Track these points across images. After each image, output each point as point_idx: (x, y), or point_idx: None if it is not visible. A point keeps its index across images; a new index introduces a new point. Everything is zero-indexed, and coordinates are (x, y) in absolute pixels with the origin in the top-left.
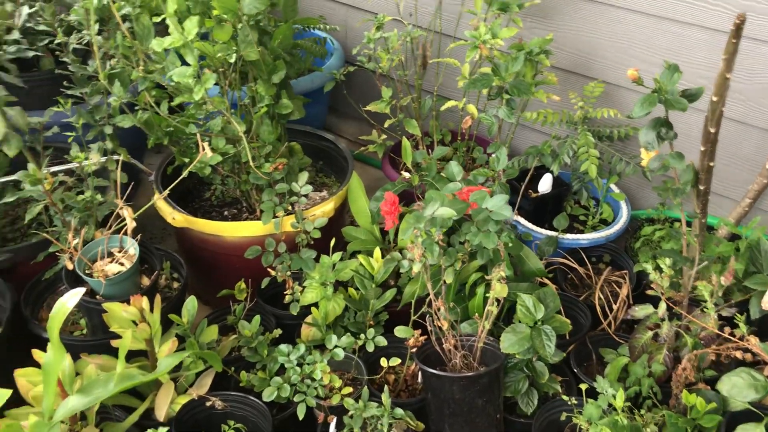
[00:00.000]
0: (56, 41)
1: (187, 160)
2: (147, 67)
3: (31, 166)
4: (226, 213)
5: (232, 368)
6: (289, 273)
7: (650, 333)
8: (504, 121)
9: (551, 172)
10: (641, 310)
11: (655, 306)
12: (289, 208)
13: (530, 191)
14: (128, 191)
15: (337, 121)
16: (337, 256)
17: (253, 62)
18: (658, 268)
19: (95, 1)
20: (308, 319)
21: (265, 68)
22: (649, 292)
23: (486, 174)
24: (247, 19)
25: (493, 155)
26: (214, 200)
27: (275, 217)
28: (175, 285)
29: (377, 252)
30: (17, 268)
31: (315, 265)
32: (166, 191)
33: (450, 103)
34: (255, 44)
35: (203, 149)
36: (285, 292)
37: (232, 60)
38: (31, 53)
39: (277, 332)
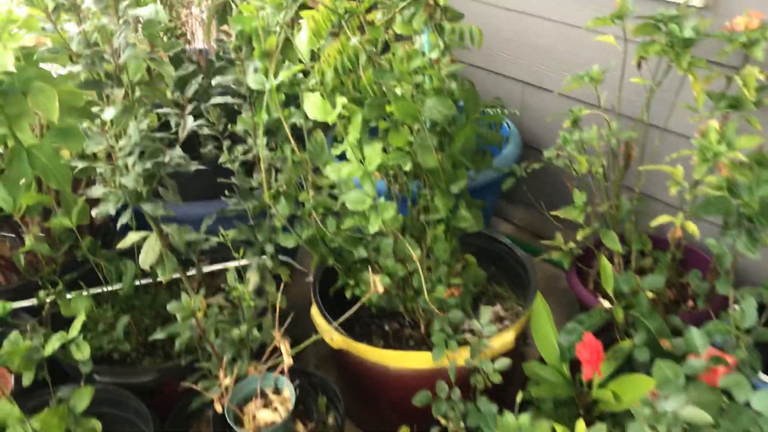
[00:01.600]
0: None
1: (351, 282)
2: (315, 182)
3: (185, 298)
4: (386, 327)
5: None
6: (462, 426)
7: None
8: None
9: None
10: None
11: None
12: (464, 338)
13: None
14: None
15: (506, 205)
16: (525, 419)
17: (429, 169)
18: None
19: (265, 115)
20: None
21: (443, 177)
22: None
23: (724, 331)
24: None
25: (736, 308)
26: (374, 309)
27: (447, 349)
28: (330, 420)
29: (581, 426)
30: (162, 388)
31: (496, 423)
32: (339, 321)
33: (662, 219)
34: (433, 150)
35: (373, 285)
36: None
37: (407, 168)
38: (193, 167)
39: None
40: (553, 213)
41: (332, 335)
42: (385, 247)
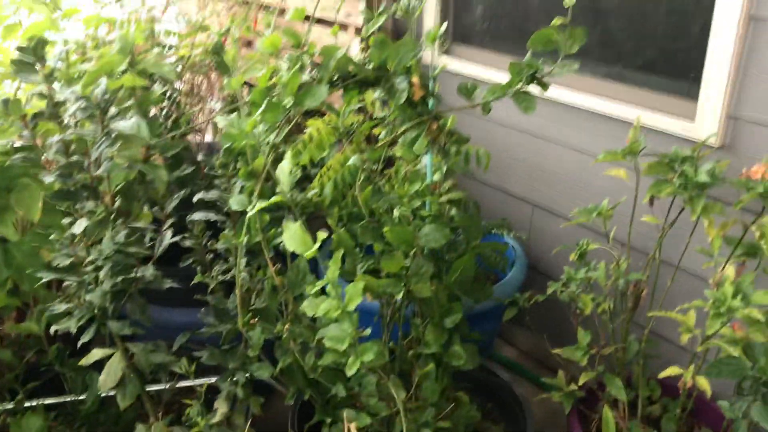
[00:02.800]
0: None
1: (328, 420)
2: (295, 310)
3: (141, 428)
4: None
5: None
6: None
7: None
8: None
9: None
10: None
11: None
12: None
13: None
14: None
15: (510, 327)
16: None
17: (423, 299)
18: None
19: (245, 237)
20: None
21: (437, 308)
22: None
23: None
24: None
25: None
26: None
27: None
28: None
29: None
30: None
31: None
32: None
33: (672, 371)
34: (428, 279)
35: (347, 430)
36: None
37: (399, 296)
38: (167, 284)
39: None
40: (556, 351)
41: None
42: (367, 385)
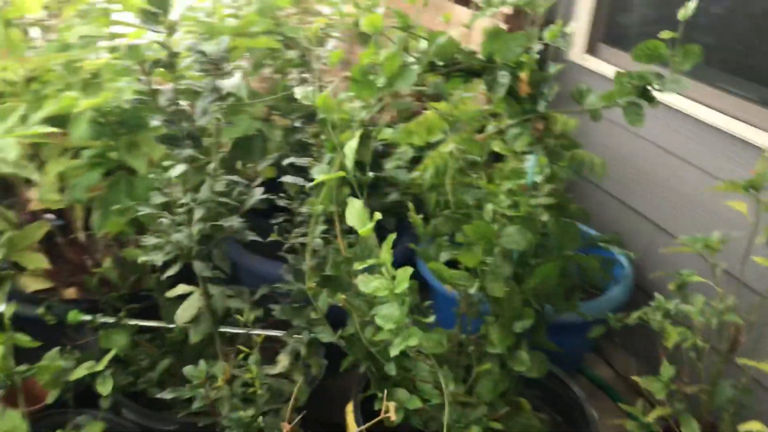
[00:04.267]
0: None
1: (379, 395)
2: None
3: (202, 364)
4: None
5: None
6: None
7: None
8: None
9: None
10: None
11: None
12: None
13: None
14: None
15: (608, 345)
16: None
17: (496, 299)
18: None
19: (320, 206)
20: None
21: (508, 311)
22: None
23: None
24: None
25: None
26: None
27: None
28: None
29: None
30: None
31: None
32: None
33: (754, 426)
34: (504, 280)
35: (384, 410)
36: None
37: (472, 291)
38: (249, 237)
39: None
40: (635, 378)
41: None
42: (420, 371)
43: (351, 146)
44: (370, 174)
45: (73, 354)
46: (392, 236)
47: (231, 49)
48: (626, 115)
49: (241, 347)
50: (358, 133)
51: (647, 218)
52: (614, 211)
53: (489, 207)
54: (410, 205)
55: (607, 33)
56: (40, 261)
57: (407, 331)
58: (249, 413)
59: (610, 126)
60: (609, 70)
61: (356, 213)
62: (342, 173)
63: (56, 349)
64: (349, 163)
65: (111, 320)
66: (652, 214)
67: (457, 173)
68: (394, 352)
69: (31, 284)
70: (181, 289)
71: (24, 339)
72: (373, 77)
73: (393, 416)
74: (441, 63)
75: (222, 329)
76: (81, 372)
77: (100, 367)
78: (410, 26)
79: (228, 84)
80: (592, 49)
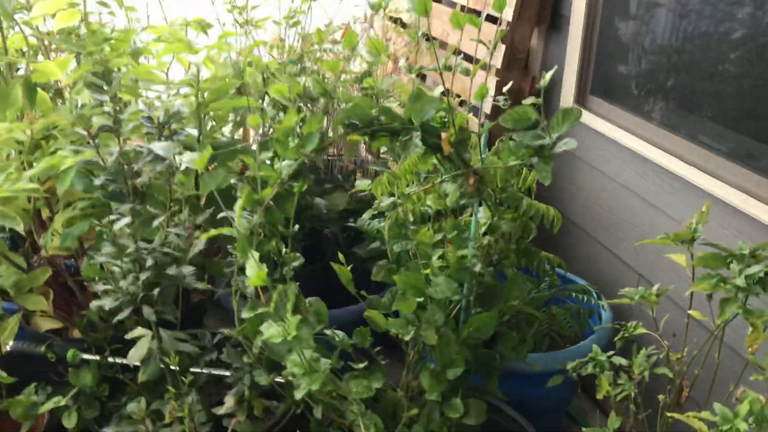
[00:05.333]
0: None
1: None
2: None
3: (136, 404)
4: None
5: None
6: None
7: None
8: None
9: None
10: None
11: None
12: None
13: None
14: None
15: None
16: None
17: (432, 347)
18: None
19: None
20: None
21: (440, 358)
22: None
23: None
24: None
25: None
26: None
27: None
28: None
29: None
30: None
31: None
32: None
33: None
34: (436, 328)
35: None
36: None
37: (407, 338)
38: (197, 285)
39: None
40: (585, 430)
41: None
42: (350, 415)
43: (238, 205)
44: (296, 227)
45: (46, 390)
46: (291, 285)
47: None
48: (537, 172)
49: (171, 389)
50: (276, 190)
51: (633, 270)
52: (604, 260)
53: (434, 258)
54: (340, 255)
55: (597, 84)
56: (40, 303)
57: (314, 375)
58: None
59: (597, 174)
60: (598, 123)
61: (252, 265)
62: (230, 229)
63: (33, 384)
64: (237, 218)
65: (93, 358)
66: (638, 265)
67: (397, 226)
68: (298, 395)
69: (44, 324)
70: (139, 332)
71: (1, 374)
72: (290, 140)
73: None
74: (360, 123)
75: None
76: (49, 405)
77: (63, 402)
78: (328, 92)
79: (159, 147)
80: (582, 101)
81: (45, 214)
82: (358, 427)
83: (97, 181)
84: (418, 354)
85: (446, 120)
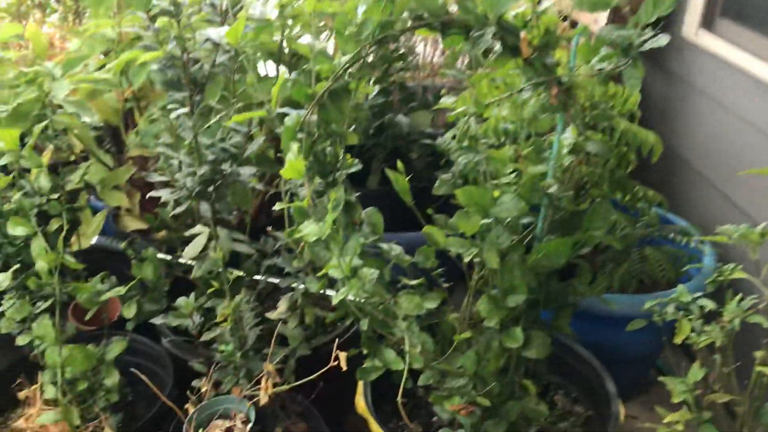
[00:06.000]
0: None
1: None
2: None
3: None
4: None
5: None
6: None
7: None
8: None
9: None
10: None
11: None
12: None
13: None
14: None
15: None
16: None
17: (493, 270)
18: None
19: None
20: None
21: (501, 282)
22: None
23: None
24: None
25: None
26: None
27: None
28: None
29: None
30: None
31: None
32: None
33: None
34: (499, 251)
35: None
36: None
37: (467, 259)
38: (251, 183)
39: None
40: (661, 379)
41: (360, 400)
42: (397, 331)
43: (275, 89)
44: (351, 129)
45: (111, 280)
46: (343, 187)
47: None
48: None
49: (215, 284)
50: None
51: (749, 216)
52: (715, 204)
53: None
54: (399, 164)
55: (730, 4)
56: (122, 200)
57: (350, 281)
58: (229, 348)
59: (720, 109)
60: (726, 50)
61: (291, 157)
62: (262, 112)
63: (100, 274)
64: (273, 106)
65: (166, 257)
66: (756, 212)
67: (465, 136)
68: (334, 300)
69: (131, 224)
70: (198, 228)
71: (70, 261)
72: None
73: (343, 365)
74: (428, 16)
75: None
76: (109, 294)
77: (123, 291)
78: None
79: (214, 33)
80: (708, 24)
81: (137, 117)
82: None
83: (154, 66)
84: (483, 280)
85: (530, 20)
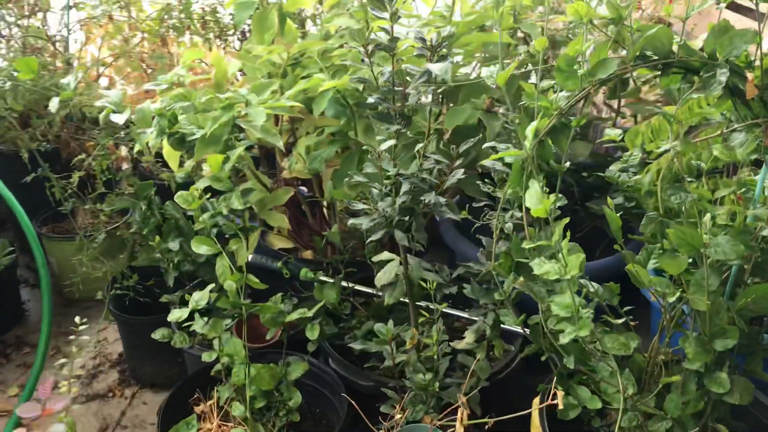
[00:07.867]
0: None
1: (559, 389)
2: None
3: (385, 326)
4: None
5: None
6: None
7: None
8: None
9: None
10: None
11: None
12: None
13: None
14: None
15: None
16: None
17: (698, 313)
18: None
19: (509, 191)
20: None
21: (710, 326)
22: None
23: None
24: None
25: None
26: None
27: None
28: None
29: None
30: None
31: None
32: None
33: None
34: (707, 293)
35: (560, 399)
36: None
37: (671, 299)
38: (447, 215)
39: None
40: None
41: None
42: (601, 371)
43: (531, 127)
44: (566, 164)
45: (292, 301)
46: (565, 219)
47: (456, 39)
48: None
49: (423, 312)
50: (547, 119)
51: None
52: None
53: (707, 217)
54: (609, 200)
55: None
56: (281, 221)
57: (580, 321)
58: (427, 377)
59: None
60: None
61: (534, 194)
62: (519, 152)
63: (280, 294)
64: (528, 143)
65: (328, 279)
66: None
67: (671, 177)
68: (563, 340)
69: (277, 243)
70: (386, 255)
71: (254, 280)
72: (576, 67)
73: (560, 404)
74: (653, 55)
75: (416, 300)
76: (295, 315)
77: (310, 313)
78: (622, 18)
79: (436, 67)
80: None
81: (284, 139)
82: (607, 384)
83: (370, 99)
84: (674, 319)
85: (752, 60)
